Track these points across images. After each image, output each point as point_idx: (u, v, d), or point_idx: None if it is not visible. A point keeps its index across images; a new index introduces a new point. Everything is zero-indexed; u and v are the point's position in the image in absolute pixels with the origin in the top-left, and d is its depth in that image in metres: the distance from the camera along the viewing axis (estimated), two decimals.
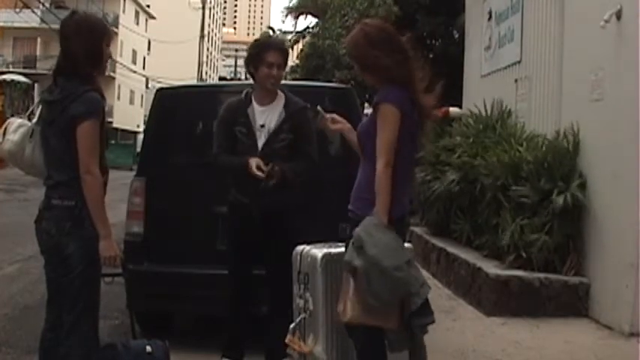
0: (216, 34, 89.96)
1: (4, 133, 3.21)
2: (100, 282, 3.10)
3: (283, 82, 4.15)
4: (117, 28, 42.45)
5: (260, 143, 3.88)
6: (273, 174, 3.71)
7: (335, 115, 3.37)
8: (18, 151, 3.17)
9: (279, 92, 4.01)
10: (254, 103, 3.94)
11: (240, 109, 3.94)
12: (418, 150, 3.20)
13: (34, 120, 3.19)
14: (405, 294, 2.88)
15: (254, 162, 3.72)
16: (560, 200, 5.53)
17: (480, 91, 8.57)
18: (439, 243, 7.42)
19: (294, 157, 3.86)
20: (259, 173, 3.69)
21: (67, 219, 2.96)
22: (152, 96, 5.10)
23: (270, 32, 16.88)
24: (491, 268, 5.83)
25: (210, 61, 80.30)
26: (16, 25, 35.52)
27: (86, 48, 2.99)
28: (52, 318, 3.11)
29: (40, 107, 3.17)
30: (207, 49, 69.48)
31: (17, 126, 3.20)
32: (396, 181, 2.93)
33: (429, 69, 3.18)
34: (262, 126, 3.90)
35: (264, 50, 3.92)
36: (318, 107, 3.42)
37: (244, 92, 4.00)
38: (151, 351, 3.19)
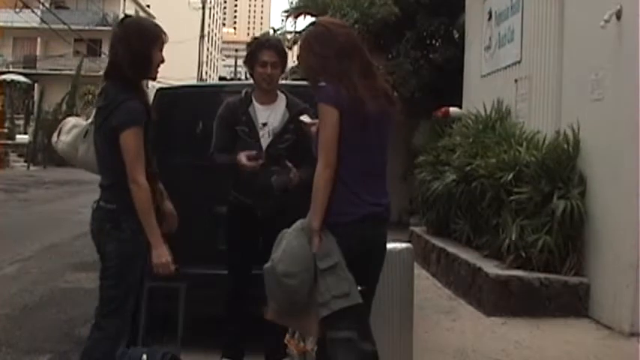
0: (216, 34, 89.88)
1: (59, 133, 3.31)
2: (134, 286, 3.09)
3: (284, 82, 4.14)
4: None
5: (263, 142, 3.88)
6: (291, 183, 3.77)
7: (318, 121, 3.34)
8: (71, 151, 3.28)
9: (280, 93, 4.00)
10: (255, 102, 3.94)
11: (240, 108, 3.93)
12: (382, 147, 2.95)
13: (89, 120, 3.25)
14: (300, 303, 2.77)
15: (243, 156, 3.73)
16: (561, 206, 5.54)
17: (480, 91, 8.56)
18: (439, 243, 7.42)
19: (298, 158, 3.85)
20: (252, 163, 3.72)
21: (107, 220, 3.04)
22: (152, 96, 5.09)
23: (271, 32, 16.87)
24: (492, 268, 5.83)
25: (210, 61, 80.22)
26: (16, 25, 35.47)
27: (133, 53, 2.99)
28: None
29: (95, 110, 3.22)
30: (207, 49, 69.43)
31: (71, 126, 3.30)
32: (345, 183, 2.81)
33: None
34: (264, 124, 3.90)
35: (258, 49, 3.93)
36: (301, 118, 3.43)
37: (244, 91, 4.00)
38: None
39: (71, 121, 3.37)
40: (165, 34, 3.15)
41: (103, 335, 3.05)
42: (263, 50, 3.91)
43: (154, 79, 3.19)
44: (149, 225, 2.99)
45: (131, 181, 2.94)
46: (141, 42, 3.03)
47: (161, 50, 3.12)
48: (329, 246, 2.78)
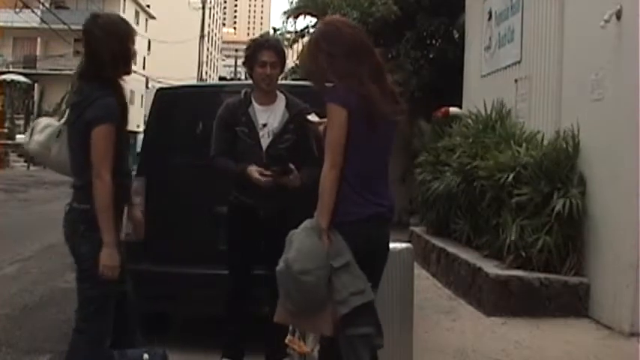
0: (216, 34, 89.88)
1: (31, 134, 3.24)
2: (113, 286, 3.06)
3: (284, 82, 4.15)
4: None
5: (263, 142, 3.88)
6: (285, 173, 3.75)
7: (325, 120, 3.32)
8: (43, 151, 3.20)
9: (279, 93, 4.01)
10: (254, 102, 3.95)
11: (240, 109, 3.94)
12: (386, 148, 2.97)
13: (62, 120, 3.21)
14: (318, 300, 2.77)
15: (254, 171, 3.73)
16: (560, 206, 5.54)
17: (480, 91, 8.56)
18: (439, 243, 7.42)
19: (298, 158, 3.86)
20: (264, 179, 3.71)
21: (81, 222, 3.00)
22: (152, 96, 5.09)
23: (272, 32, 16.87)
24: (492, 268, 5.83)
25: (210, 61, 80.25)
26: (16, 25, 35.48)
27: (114, 52, 3.01)
28: None
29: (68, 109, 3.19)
30: (207, 49, 69.44)
31: (44, 126, 3.24)
32: (350, 183, 2.82)
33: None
34: (264, 125, 3.90)
35: (257, 50, 3.93)
36: (308, 117, 3.40)
37: (243, 92, 4.00)
38: (148, 358, 3.17)
39: (44, 120, 3.32)
40: (132, 28, 3.21)
41: (85, 339, 3.01)
42: (262, 50, 3.92)
43: (130, 73, 3.20)
44: (105, 223, 2.93)
45: (95, 175, 2.90)
46: (119, 40, 3.05)
47: (133, 43, 3.15)
48: (339, 245, 2.79)
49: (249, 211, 3.89)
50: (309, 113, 3.84)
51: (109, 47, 3.00)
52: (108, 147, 2.92)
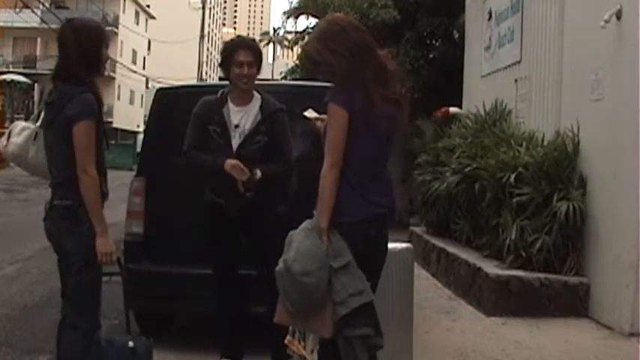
0: (216, 34, 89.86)
1: (9, 136, 3.31)
2: (100, 281, 3.16)
3: (284, 82, 4.15)
4: (117, 28, 42.44)
5: (234, 143, 3.89)
6: (252, 182, 3.76)
7: (325, 117, 3.30)
8: (21, 153, 3.28)
9: (256, 94, 4.00)
10: (230, 103, 3.95)
11: (215, 108, 3.94)
12: (387, 149, 2.96)
13: (38, 123, 3.28)
14: (318, 301, 2.76)
15: (232, 164, 3.73)
16: (561, 207, 5.54)
17: (480, 91, 8.57)
18: (439, 243, 7.43)
19: (269, 159, 3.86)
20: (242, 178, 3.72)
21: (65, 218, 3.07)
22: (152, 96, 5.09)
23: (272, 32, 16.89)
24: (492, 268, 5.83)
25: (210, 61, 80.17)
26: (16, 25, 35.50)
27: (86, 55, 3.08)
28: (64, 311, 3.22)
29: (43, 110, 3.25)
30: (207, 49, 69.43)
31: (21, 129, 3.31)
32: (350, 183, 2.82)
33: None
34: (237, 126, 3.90)
35: (234, 50, 3.93)
36: (305, 113, 3.37)
37: (220, 92, 4.01)
38: (133, 346, 3.27)
39: (20, 124, 3.40)
40: (107, 31, 3.32)
41: (79, 334, 3.07)
42: (239, 50, 3.92)
43: (103, 74, 3.31)
44: (96, 213, 3.03)
45: (81, 170, 2.98)
46: (93, 42, 3.13)
47: (107, 47, 3.26)
48: (339, 245, 2.79)
49: (222, 211, 3.89)
50: (277, 114, 3.84)
51: (80, 49, 3.07)
52: (90, 142, 3.00)
